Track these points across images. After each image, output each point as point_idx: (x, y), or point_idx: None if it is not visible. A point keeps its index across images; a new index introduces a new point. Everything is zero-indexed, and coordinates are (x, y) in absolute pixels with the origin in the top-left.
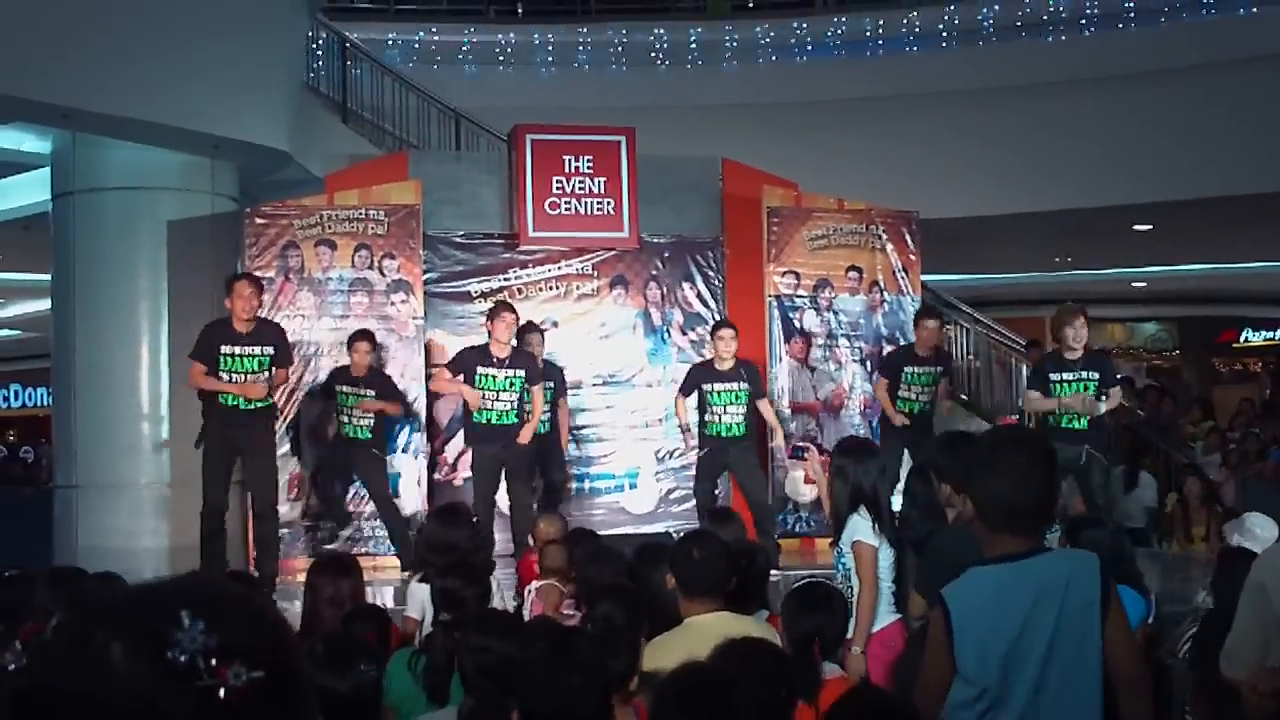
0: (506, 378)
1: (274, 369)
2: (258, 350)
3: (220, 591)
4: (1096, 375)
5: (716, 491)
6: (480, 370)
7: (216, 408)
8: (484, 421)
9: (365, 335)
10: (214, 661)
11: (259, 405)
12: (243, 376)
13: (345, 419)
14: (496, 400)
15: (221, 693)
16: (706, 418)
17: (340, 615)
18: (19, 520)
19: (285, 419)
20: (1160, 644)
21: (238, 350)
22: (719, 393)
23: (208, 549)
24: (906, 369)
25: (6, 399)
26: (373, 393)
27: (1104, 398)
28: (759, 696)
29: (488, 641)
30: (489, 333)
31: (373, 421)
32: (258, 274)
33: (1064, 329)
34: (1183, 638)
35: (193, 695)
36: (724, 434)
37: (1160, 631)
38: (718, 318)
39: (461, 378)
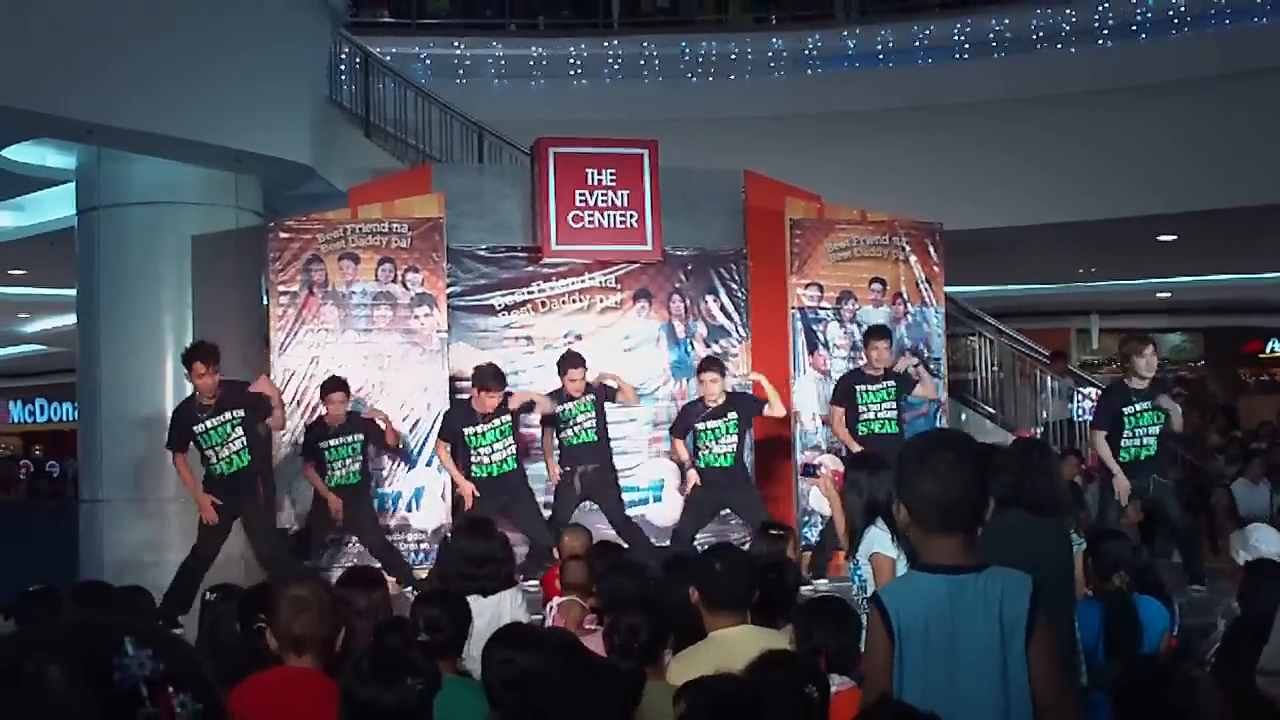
0: (581, 405)
1: (251, 427)
2: (227, 416)
3: (157, 627)
4: (1163, 404)
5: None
6: (561, 409)
7: (210, 479)
8: (571, 444)
9: (340, 384)
10: (158, 690)
11: (241, 468)
12: (222, 445)
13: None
14: (581, 429)
15: None
16: (698, 452)
17: (372, 628)
18: (45, 535)
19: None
20: (1186, 655)
21: (209, 424)
22: (710, 430)
23: (179, 585)
24: (859, 387)
25: (32, 413)
26: (360, 438)
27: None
28: (790, 708)
29: (511, 654)
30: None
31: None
32: (212, 344)
33: (1136, 358)
34: (1209, 649)
35: None
36: (714, 464)
37: (1185, 642)
38: (742, 330)
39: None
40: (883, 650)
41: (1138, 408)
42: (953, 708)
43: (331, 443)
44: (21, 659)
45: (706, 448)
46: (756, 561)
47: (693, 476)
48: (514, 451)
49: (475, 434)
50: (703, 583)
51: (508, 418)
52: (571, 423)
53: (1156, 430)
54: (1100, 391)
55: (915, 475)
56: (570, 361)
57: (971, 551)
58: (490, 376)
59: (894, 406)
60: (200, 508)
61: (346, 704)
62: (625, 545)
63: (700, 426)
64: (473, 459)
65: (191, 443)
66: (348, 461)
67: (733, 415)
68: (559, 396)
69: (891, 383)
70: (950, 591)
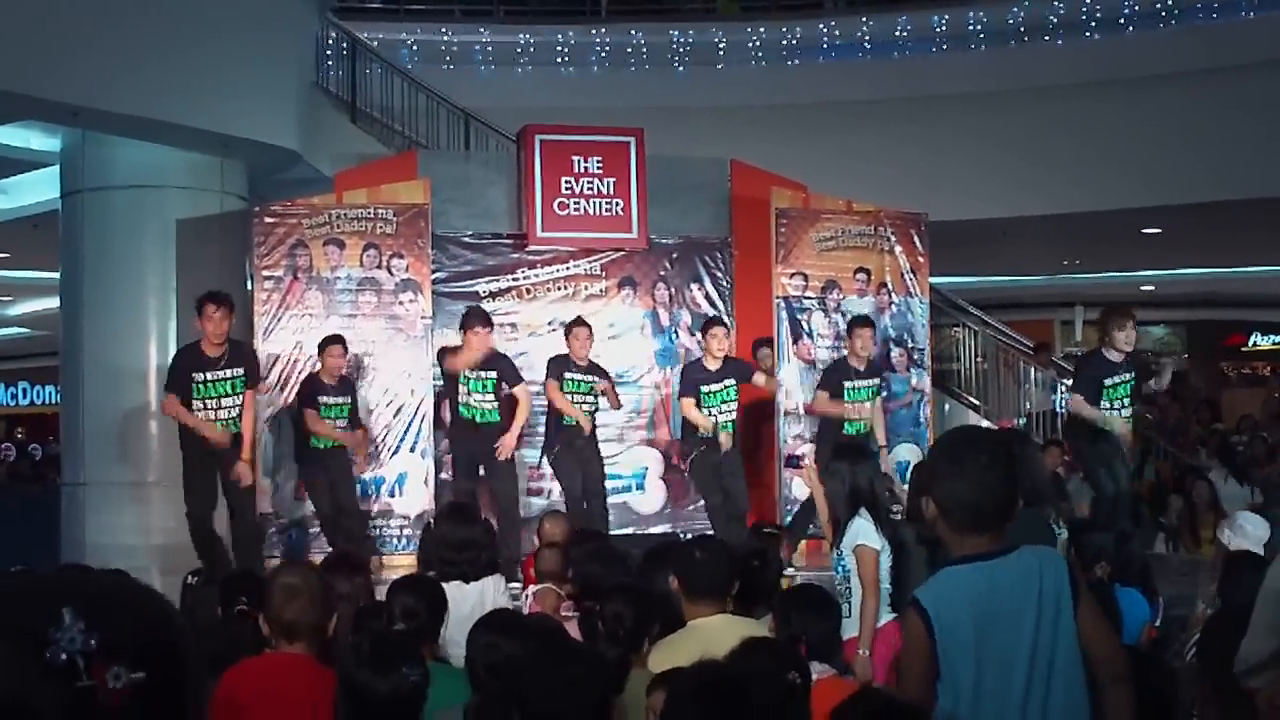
0: (589, 382)
1: (245, 391)
2: (228, 374)
3: (108, 588)
4: (1132, 374)
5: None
6: (567, 375)
7: (192, 436)
8: (572, 424)
9: (338, 339)
10: (93, 662)
11: (231, 434)
12: (216, 402)
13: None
14: (584, 401)
15: (101, 695)
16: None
17: (353, 613)
18: (26, 518)
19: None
20: (1167, 646)
21: (209, 376)
22: (714, 393)
23: (206, 554)
24: (848, 384)
25: (15, 397)
26: (348, 400)
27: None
28: (771, 691)
29: (496, 639)
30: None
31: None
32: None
33: (1117, 332)
34: (1189, 640)
35: (70, 695)
36: (723, 429)
37: (1167, 634)
38: (726, 319)
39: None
40: (920, 654)
41: (1115, 380)
42: (1006, 690)
43: (329, 400)
44: None
45: (711, 411)
46: (738, 551)
47: (725, 440)
48: (496, 406)
49: (573, 380)
50: (683, 571)
51: (493, 374)
52: (575, 394)
53: (1128, 400)
54: (1079, 358)
55: (947, 475)
56: (578, 322)
57: (1001, 540)
58: (475, 316)
59: (870, 406)
60: (204, 435)
61: (343, 687)
62: (606, 527)
63: (704, 389)
64: (460, 398)
65: (186, 392)
66: (338, 423)
67: (730, 380)
68: (565, 363)
69: (875, 380)
70: (987, 578)
